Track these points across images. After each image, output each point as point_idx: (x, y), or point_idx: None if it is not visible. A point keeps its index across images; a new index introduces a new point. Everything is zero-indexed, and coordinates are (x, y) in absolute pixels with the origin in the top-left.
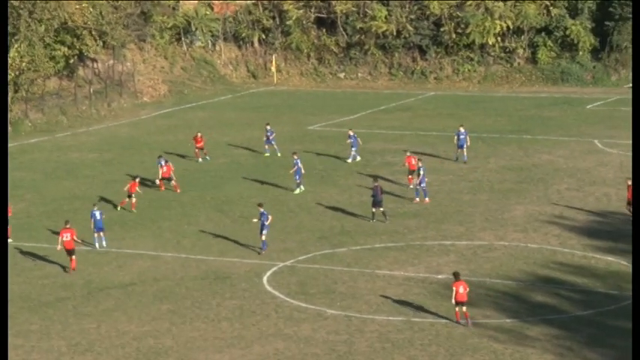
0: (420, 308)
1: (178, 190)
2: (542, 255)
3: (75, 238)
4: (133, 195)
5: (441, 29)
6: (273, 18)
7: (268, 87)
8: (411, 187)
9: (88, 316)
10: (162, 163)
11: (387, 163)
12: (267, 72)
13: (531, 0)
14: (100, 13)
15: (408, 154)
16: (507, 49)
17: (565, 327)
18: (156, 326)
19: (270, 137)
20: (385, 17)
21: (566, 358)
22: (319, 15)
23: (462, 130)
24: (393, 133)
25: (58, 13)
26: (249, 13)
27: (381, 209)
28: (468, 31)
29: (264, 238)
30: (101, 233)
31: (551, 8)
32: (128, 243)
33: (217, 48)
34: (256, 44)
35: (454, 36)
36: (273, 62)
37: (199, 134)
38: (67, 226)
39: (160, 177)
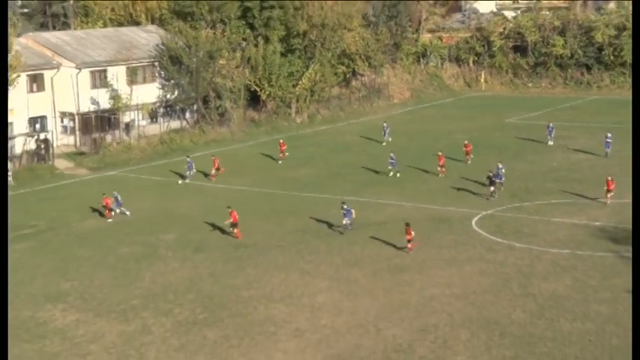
0: (581, 244)
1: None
2: None
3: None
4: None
5: (603, 52)
6: (483, 46)
7: (478, 92)
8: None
9: (354, 243)
10: (192, 164)
11: (560, 146)
12: (478, 82)
13: None
14: (367, 43)
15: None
16: None
17: None
18: (397, 252)
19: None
20: (562, 45)
21: None
22: (515, 44)
23: (609, 135)
24: (563, 124)
25: (340, 44)
26: (467, 42)
27: (492, 188)
28: (622, 53)
29: (344, 222)
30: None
31: None
32: (382, 196)
33: (444, 66)
34: (471, 64)
35: (612, 57)
36: (482, 76)
37: (465, 140)
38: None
39: (214, 170)
